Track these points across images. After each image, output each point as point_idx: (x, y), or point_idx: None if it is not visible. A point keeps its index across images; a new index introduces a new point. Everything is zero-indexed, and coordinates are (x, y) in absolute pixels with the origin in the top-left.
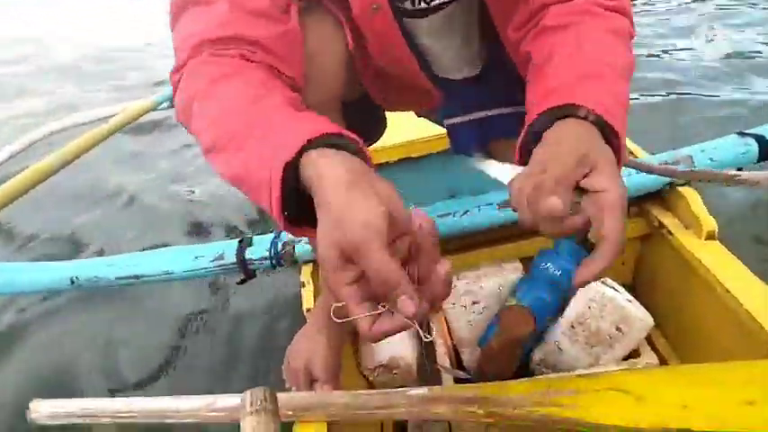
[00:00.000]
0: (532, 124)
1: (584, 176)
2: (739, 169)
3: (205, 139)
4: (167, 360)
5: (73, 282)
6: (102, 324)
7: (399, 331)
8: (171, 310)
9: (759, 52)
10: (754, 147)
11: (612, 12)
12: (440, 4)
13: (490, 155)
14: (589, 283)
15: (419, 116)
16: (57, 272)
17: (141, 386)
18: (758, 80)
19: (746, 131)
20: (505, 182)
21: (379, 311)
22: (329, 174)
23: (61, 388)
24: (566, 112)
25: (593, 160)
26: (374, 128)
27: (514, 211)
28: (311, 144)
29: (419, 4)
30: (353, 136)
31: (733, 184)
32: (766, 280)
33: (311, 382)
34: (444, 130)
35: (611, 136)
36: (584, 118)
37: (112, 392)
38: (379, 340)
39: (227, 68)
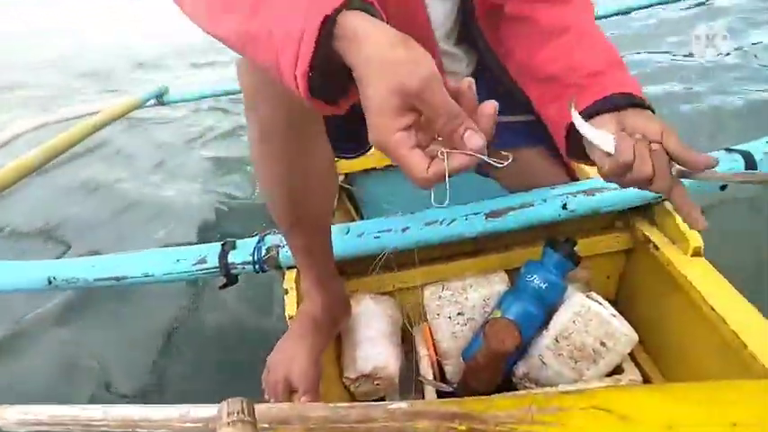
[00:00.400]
0: (593, 105)
1: None
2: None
3: None
4: (144, 367)
5: (50, 282)
6: (77, 330)
7: (459, 171)
8: (150, 315)
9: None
10: (740, 163)
11: None
12: None
13: (484, 170)
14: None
15: None
16: (33, 271)
17: (115, 394)
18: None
19: (733, 147)
20: (607, 149)
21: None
22: (375, 31)
23: (31, 396)
24: (630, 100)
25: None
26: (365, 135)
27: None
28: (347, 4)
29: None
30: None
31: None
32: (750, 298)
33: (290, 393)
34: None
35: None
36: (647, 108)
37: (86, 401)
38: (435, 183)
39: None
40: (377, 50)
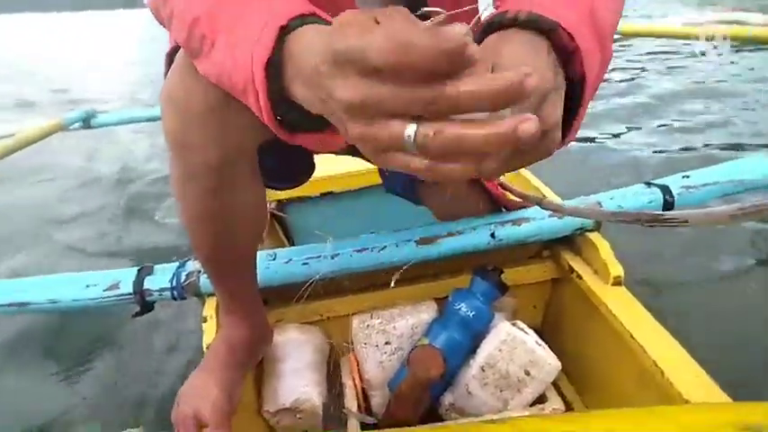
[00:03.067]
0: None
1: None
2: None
3: (180, 40)
4: (52, 395)
5: None
6: None
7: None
8: (56, 342)
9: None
10: (659, 196)
11: None
12: None
13: (418, 198)
14: None
15: (353, 155)
16: None
17: (20, 426)
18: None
19: (652, 181)
20: None
21: None
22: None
23: None
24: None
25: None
26: (298, 170)
27: None
28: (286, 30)
29: None
30: (327, 16)
31: (665, 225)
32: (667, 326)
33: (200, 429)
34: (369, 166)
35: (555, 34)
36: (513, 23)
37: None
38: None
39: None
40: (332, 28)
